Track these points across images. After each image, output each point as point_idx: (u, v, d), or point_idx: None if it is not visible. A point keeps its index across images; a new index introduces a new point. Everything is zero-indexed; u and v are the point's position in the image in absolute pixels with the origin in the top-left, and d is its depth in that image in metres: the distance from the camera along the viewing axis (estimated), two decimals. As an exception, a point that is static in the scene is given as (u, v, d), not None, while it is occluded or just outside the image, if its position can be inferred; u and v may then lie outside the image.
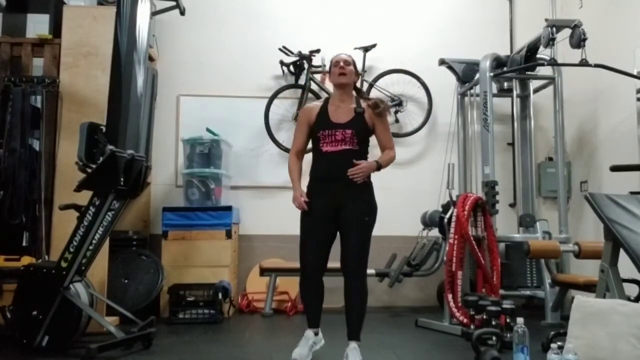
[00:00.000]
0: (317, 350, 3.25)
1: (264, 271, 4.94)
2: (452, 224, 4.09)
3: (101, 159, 3.30)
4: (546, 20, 4.52)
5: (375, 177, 3.15)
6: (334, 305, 4.97)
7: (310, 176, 3.20)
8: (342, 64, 3.16)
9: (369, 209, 3.10)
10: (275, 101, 5.38)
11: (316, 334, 3.23)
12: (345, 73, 3.15)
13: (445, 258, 4.18)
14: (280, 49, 5.38)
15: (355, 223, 3.06)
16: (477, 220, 4.21)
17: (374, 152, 3.23)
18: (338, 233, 3.14)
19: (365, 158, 3.13)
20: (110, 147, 3.29)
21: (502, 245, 4.52)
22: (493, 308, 3.56)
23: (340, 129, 3.09)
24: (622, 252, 2.82)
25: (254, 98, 5.50)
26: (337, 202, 3.07)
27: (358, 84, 3.35)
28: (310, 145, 3.27)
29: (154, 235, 5.17)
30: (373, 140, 3.22)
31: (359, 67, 5.43)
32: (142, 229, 5.20)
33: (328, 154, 3.10)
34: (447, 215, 4.19)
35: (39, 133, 4.09)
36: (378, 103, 3.14)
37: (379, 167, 3.10)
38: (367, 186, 3.13)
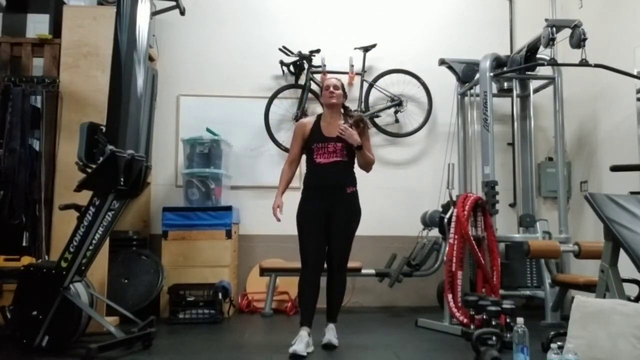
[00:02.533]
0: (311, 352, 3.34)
1: (263, 271, 4.93)
2: (452, 224, 4.09)
3: (101, 159, 3.29)
4: (546, 20, 4.52)
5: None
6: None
7: (305, 184, 3.62)
8: (331, 88, 3.61)
9: (355, 216, 3.57)
10: (275, 101, 5.38)
11: (309, 334, 3.39)
12: (335, 97, 3.60)
13: (445, 258, 4.17)
14: (280, 49, 5.38)
15: (343, 227, 3.52)
16: (477, 220, 4.20)
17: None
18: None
19: (353, 168, 3.61)
20: (110, 147, 3.28)
21: (502, 245, 4.52)
22: (493, 308, 3.55)
23: (332, 142, 3.54)
24: (622, 252, 2.82)
25: (254, 98, 5.50)
26: (329, 206, 3.50)
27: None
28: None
29: (154, 235, 5.17)
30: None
31: (359, 67, 5.53)
32: (142, 229, 5.20)
33: (321, 165, 3.54)
34: (447, 215, 4.19)
35: (39, 133, 4.09)
36: (358, 122, 3.60)
37: (359, 147, 3.50)
38: (354, 194, 3.57)
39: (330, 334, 3.53)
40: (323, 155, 3.54)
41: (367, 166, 3.64)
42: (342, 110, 3.71)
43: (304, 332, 3.36)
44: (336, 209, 3.50)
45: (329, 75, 3.85)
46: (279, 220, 3.55)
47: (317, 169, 3.56)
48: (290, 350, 3.22)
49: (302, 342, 3.27)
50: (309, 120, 3.71)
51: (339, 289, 3.61)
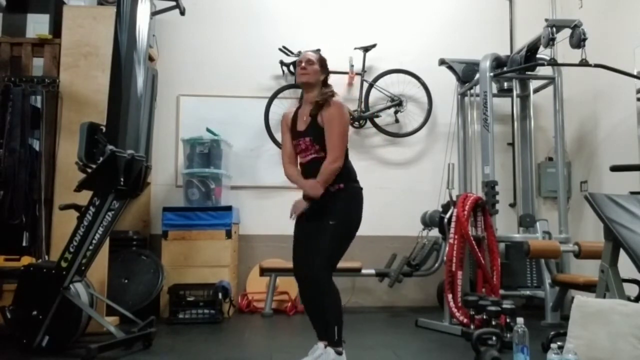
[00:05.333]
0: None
1: (264, 271, 4.93)
2: (452, 224, 4.09)
3: (101, 159, 3.29)
4: (546, 20, 4.52)
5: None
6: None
7: None
8: (304, 63, 3.01)
9: (335, 214, 2.90)
10: (275, 101, 5.38)
11: (326, 346, 2.87)
12: (308, 73, 2.99)
13: (445, 258, 4.17)
14: (280, 49, 5.37)
15: (317, 227, 2.91)
16: (477, 220, 4.20)
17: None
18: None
19: None
20: (110, 147, 3.28)
21: (502, 245, 4.52)
22: (493, 308, 3.55)
23: (301, 137, 3.01)
24: (622, 252, 2.81)
25: (254, 98, 5.50)
26: (314, 213, 2.93)
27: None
28: None
29: (154, 235, 5.17)
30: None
31: (359, 67, 5.53)
32: (142, 229, 5.19)
33: (302, 166, 3.05)
34: (447, 215, 4.19)
35: (39, 133, 4.08)
36: (317, 103, 2.95)
37: (309, 199, 2.89)
38: (341, 192, 2.94)
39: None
40: (301, 154, 3.04)
41: (328, 179, 2.90)
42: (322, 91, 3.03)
43: (320, 344, 2.86)
44: (320, 213, 2.92)
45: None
46: (296, 215, 3.00)
47: (302, 169, 3.06)
48: None
49: (311, 356, 2.83)
50: (291, 111, 3.18)
51: (321, 303, 2.89)
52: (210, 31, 5.61)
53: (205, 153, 5.01)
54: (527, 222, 4.73)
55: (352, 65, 5.52)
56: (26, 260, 3.79)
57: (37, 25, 4.72)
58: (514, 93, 5.20)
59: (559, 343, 2.53)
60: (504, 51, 5.24)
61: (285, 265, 4.95)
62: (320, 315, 2.92)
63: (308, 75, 3.00)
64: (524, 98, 5.25)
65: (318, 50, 5.39)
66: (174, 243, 4.81)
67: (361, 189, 3.05)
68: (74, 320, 3.39)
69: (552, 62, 4.66)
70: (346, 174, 2.99)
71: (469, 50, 5.34)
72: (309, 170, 2.99)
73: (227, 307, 4.74)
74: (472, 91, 5.29)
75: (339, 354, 2.83)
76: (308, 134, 2.98)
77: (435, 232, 4.73)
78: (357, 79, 5.54)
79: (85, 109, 4.06)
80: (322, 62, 3.08)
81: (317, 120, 2.97)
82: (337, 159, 2.90)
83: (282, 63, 5.42)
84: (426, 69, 5.52)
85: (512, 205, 5.49)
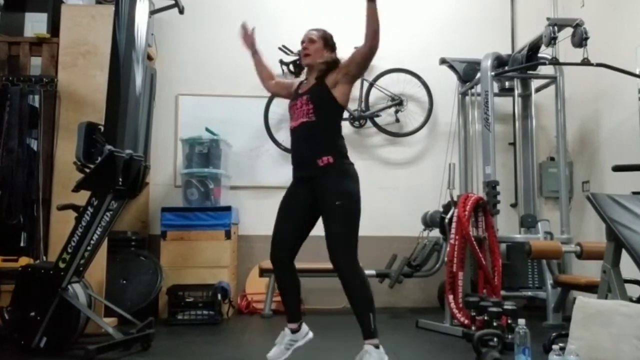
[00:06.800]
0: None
1: (263, 272, 4.91)
2: (453, 225, 4.07)
3: (99, 158, 3.27)
4: (548, 19, 4.51)
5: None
6: (334, 306, 4.98)
7: None
8: (305, 43, 2.92)
9: (339, 194, 2.79)
10: (275, 100, 5.36)
11: (295, 330, 2.98)
12: (309, 53, 2.91)
13: (446, 259, 4.16)
14: (279, 48, 5.35)
15: (328, 209, 2.82)
16: (478, 221, 4.19)
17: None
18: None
19: (330, 131, 2.86)
20: (108, 147, 3.26)
21: (503, 246, 4.50)
22: (494, 309, 3.54)
23: (299, 97, 2.91)
24: (624, 253, 2.80)
25: (253, 97, 5.46)
26: (306, 190, 2.87)
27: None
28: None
29: (153, 235, 5.15)
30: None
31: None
32: (141, 229, 5.17)
33: (291, 130, 2.93)
34: (448, 216, 4.17)
35: (36, 133, 4.06)
36: (323, 64, 2.89)
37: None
38: (332, 167, 2.82)
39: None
40: (293, 116, 2.91)
41: (369, 35, 2.69)
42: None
43: (286, 330, 2.98)
44: (315, 191, 2.82)
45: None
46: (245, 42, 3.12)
47: (291, 137, 2.95)
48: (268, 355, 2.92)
49: (281, 344, 2.97)
50: (299, 82, 3.13)
51: (347, 292, 2.82)
52: (210, 30, 5.59)
53: (204, 153, 4.99)
54: (528, 222, 4.71)
55: (352, 65, 5.50)
56: (24, 260, 3.77)
57: (35, 24, 4.71)
58: (516, 92, 5.18)
59: (560, 344, 2.51)
60: (505, 50, 5.22)
61: (285, 266, 4.94)
62: (297, 298, 2.95)
63: (309, 57, 2.91)
64: (526, 97, 5.23)
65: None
66: (172, 243, 4.79)
67: (352, 164, 2.91)
68: (72, 321, 3.37)
69: (554, 62, 4.65)
70: (337, 147, 2.87)
71: (469, 49, 5.32)
72: (297, 136, 2.89)
73: (226, 308, 4.72)
74: (473, 90, 5.27)
75: (377, 347, 2.73)
76: (307, 93, 2.88)
77: (436, 233, 4.72)
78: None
79: (83, 108, 4.04)
80: (326, 39, 2.94)
81: (326, 81, 2.87)
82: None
83: (281, 62, 5.39)
84: (427, 68, 5.50)
85: (514, 206, 5.47)
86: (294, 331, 2.99)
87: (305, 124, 2.84)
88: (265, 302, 4.87)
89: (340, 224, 2.80)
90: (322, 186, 2.82)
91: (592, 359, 2.45)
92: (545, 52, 4.82)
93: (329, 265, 2.93)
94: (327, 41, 2.95)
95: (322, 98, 2.85)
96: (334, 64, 2.89)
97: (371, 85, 5.49)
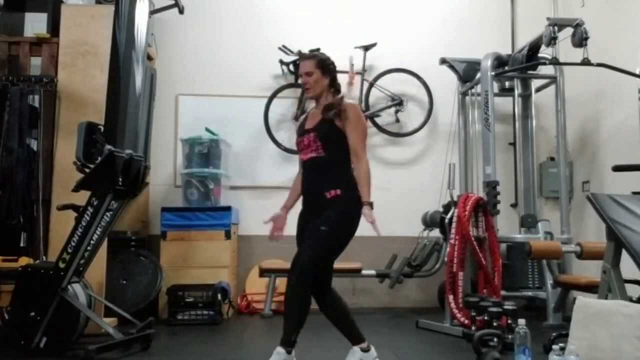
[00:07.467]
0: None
1: (263, 272, 4.91)
2: (453, 225, 4.07)
3: (99, 158, 3.27)
4: (548, 19, 4.51)
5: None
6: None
7: None
8: (303, 77, 2.93)
9: (327, 219, 2.79)
10: (275, 100, 5.36)
11: (289, 352, 2.83)
12: (310, 87, 2.92)
13: (446, 259, 4.16)
14: (279, 48, 5.35)
15: (310, 232, 2.84)
16: (479, 221, 4.19)
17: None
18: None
19: (339, 165, 2.89)
20: (108, 147, 3.26)
21: (503, 246, 4.50)
22: (494, 309, 3.54)
23: (306, 134, 2.92)
24: (624, 253, 2.80)
25: (253, 97, 5.48)
26: (308, 218, 2.90)
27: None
28: None
29: (153, 235, 5.14)
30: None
31: (359, 66, 5.49)
32: (141, 229, 5.17)
33: (303, 162, 2.96)
34: (448, 216, 4.17)
35: (36, 133, 4.06)
36: (327, 107, 2.89)
37: (369, 204, 2.82)
38: (339, 199, 2.83)
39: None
40: (303, 150, 2.94)
41: (368, 184, 2.85)
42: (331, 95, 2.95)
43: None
44: (313, 218, 2.85)
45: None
46: (271, 239, 3.08)
47: (302, 169, 2.98)
48: None
49: None
50: (304, 116, 3.16)
51: (285, 298, 2.83)
52: (210, 30, 5.59)
53: (204, 153, 4.99)
54: (528, 222, 4.71)
55: (352, 64, 5.50)
56: (24, 260, 3.77)
57: (35, 24, 4.70)
58: (516, 92, 5.18)
59: (560, 344, 2.51)
60: (505, 50, 5.23)
61: (284, 266, 4.90)
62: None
63: (311, 90, 2.94)
64: (526, 97, 5.23)
65: (317, 50, 5.41)
66: (172, 243, 4.79)
67: (359, 198, 2.88)
68: (72, 322, 3.37)
69: (554, 61, 4.65)
70: (346, 180, 2.89)
71: (470, 49, 5.32)
72: (308, 169, 2.94)
73: (226, 308, 4.73)
74: (473, 90, 5.27)
75: (289, 352, 2.78)
76: (314, 130, 2.89)
77: (436, 233, 4.72)
78: (358, 78, 5.52)
79: (83, 108, 4.04)
80: (322, 64, 2.93)
81: (327, 119, 2.88)
82: (362, 158, 2.87)
83: (281, 62, 5.40)
84: (427, 68, 5.50)
85: (514, 206, 5.46)
86: (364, 350, 2.90)
87: (315, 159, 2.89)
88: (265, 302, 4.87)
89: (314, 246, 2.80)
90: (322, 210, 2.84)
91: (592, 359, 2.45)
92: (545, 52, 4.82)
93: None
94: (324, 67, 2.93)
95: (329, 135, 2.88)
96: (338, 104, 2.91)
97: (371, 85, 5.49)
